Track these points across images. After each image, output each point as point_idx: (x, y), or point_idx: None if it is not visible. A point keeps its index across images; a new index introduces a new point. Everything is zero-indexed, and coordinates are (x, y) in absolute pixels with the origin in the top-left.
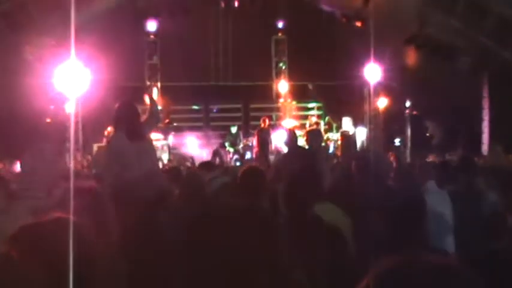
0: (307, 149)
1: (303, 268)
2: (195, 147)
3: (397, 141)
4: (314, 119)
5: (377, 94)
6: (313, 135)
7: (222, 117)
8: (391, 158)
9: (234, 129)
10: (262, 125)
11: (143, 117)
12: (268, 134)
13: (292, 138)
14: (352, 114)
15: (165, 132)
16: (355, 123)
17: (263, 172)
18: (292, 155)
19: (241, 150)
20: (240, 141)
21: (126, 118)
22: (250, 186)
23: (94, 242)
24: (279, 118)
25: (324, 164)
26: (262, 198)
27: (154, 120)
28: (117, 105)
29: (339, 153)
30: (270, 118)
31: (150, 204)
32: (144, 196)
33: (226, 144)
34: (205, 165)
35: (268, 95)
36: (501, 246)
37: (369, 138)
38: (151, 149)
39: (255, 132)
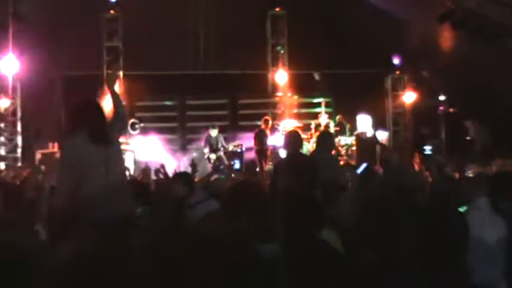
0: (311, 158)
1: None
2: (168, 153)
3: (427, 149)
4: (324, 119)
5: (403, 86)
6: (325, 139)
7: (203, 116)
8: (422, 171)
9: (213, 132)
10: (263, 126)
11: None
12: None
13: (291, 143)
14: (370, 112)
15: (129, 135)
16: (375, 124)
17: (254, 189)
18: (290, 165)
19: (223, 158)
20: (222, 146)
21: (90, 116)
22: (235, 208)
23: None
24: (276, 117)
25: (333, 181)
26: (252, 222)
27: (120, 123)
28: (78, 100)
29: (353, 162)
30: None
31: (115, 229)
32: (109, 219)
33: (205, 150)
34: (181, 177)
35: (262, 88)
36: None
37: (391, 144)
38: (120, 157)
39: (254, 135)
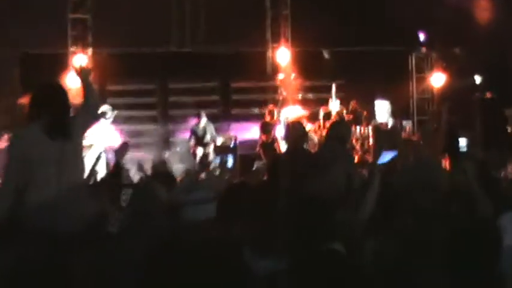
0: (315, 155)
1: None
2: (147, 148)
3: (461, 144)
4: (335, 105)
5: (430, 67)
6: (338, 129)
7: (189, 102)
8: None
9: (201, 121)
10: (268, 118)
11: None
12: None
13: (291, 136)
14: (390, 98)
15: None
16: (395, 112)
17: (250, 192)
18: (289, 163)
19: (211, 154)
20: (212, 138)
21: (50, 103)
22: (228, 215)
23: None
24: (277, 104)
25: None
26: (247, 230)
27: (90, 113)
28: (37, 83)
29: (369, 158)
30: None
31: (70, 240)
32: (61, 228)
33: (191, 143)
34: (163, 178)
35: (260, 69)
36: None
37: (415, 136)
38: (78, 154)
39: (259, 127)
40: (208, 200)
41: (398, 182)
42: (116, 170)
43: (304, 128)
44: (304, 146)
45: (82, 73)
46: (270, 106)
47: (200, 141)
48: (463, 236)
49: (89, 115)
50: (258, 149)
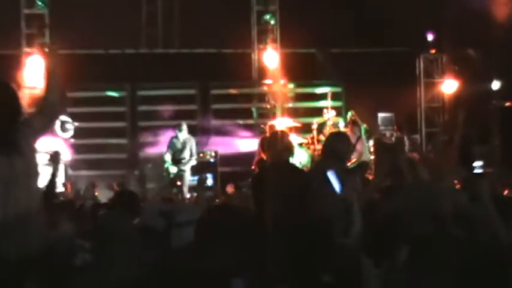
0: (302, 171)
1: None
2: (113, 165)
3: (477, 165)
4: (331, 116)
5: (440, 71)
6: (335, 142)
7: (162, 112)
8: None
9: (182, 134)
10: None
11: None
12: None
13: (272, 149)
14: (394, 107)
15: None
16: (401, 124)
17: (233, 216)
18: (270, 182)
19: (187, 172)
20: (191, 155)
21: None
22: (208, 242)
23: None
24: (264, 114)
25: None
26: (230, 258)
27: (48, 116)
28: None
29: (370, 176)
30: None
31: (15, 271)
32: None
33: (166, 158)
34: (128, 196)
35: (245, 73)
36: None
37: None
38: (31, 171)
39: (259, 143)
40: (189, 223)
41: (388, 205)
42: (50, 185)
43: (287, 137)
44: (290, 160)
45: (49, 54)
46: (270, 123)
47: (177, 157)
48: (484, 263)
49: (46, 116)
50: (254, 166)
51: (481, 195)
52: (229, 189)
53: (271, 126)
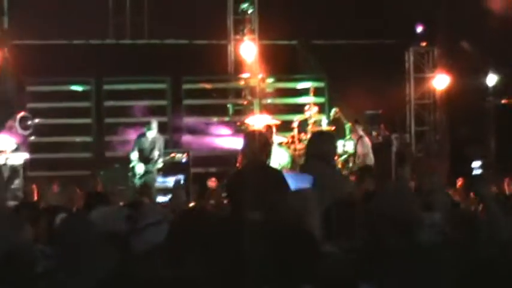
0: (278, 172)
1: None
2: (77, 165)
3: (475, 165)
4: (313, 113)
5: (431, 65)
6: (320, 142)
7: (129, 108)
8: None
9: (151, 132)
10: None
11: None
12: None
13: (248, 149)
14: (381, 104)
15: (18, 137)
16: (388, 122)
17: (206, 221)
18: (246, 184)
19: (153, 173)
20: (158, 156)
21: None
22: (179, 248)
23: None
24: (240, 111)
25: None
26: (203, 267)
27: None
28: None
29: (353, 178)
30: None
31: None
32: None
33: (132, 157)
34: (94, 198)
35: (220, 66)
36: None
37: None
38: None
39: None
40: (156, 223)
41: (359, 210)
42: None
43: (266, 138)
44: (267, 162)
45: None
46: (268, 123)
47: (144, 156)
48: (487, 266)
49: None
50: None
51: (483, 197)
52: (211, 183)
53: (269, 128)
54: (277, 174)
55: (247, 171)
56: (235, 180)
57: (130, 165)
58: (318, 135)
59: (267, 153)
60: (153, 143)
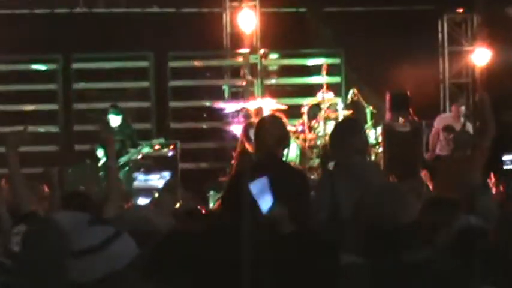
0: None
1: None
2: (40, 160)
3: (507, 158)
4: (327, 96)
5: (470, 36)
6: (351, 131)
7: (105, 90)
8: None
9: (114, 119)
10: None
11: None
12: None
13: (264, 139)
14: (410, 83)
15: None
16: (420, 108)
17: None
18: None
19: (128, 170)
20: (130, 147)
21: None
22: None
23: None
24: (239, 94)
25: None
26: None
27: None
28: None
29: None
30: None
31: None
32: None
33: (98, 153)
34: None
35: (213, 40)
36: None
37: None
38: None
39: (241, 132)
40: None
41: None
42: None
43: (285, 126)
44: (284, 155)
45: None
46: (249, 101)
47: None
48: None
49: None
50: (234, 161)
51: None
52: None
53: (259, 110)
54: (300, 174)
55: (260, 169)
56: (243, 181)
57: (100, 163)
58: (347, 122)
59: (284, 147)
60: (120, 133)
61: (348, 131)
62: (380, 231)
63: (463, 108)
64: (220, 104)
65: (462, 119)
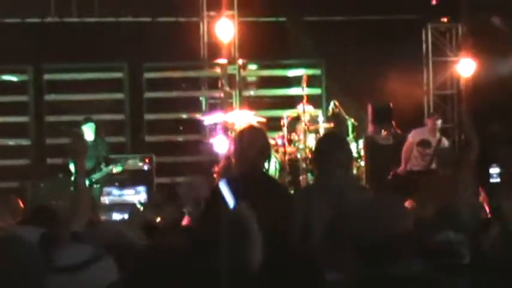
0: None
1: None
2: (10, 171)
3: (493, 171)
4: (307, 108)
5: (454, 46)
6: (334, 146)
7: (77, 103)
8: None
9: (88, 132)
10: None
11: None
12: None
13: (245, 150)
14: (391, 96)
15: None
16: (403, 121)
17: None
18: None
19: (100, 185)
20: (100, 162)
21: None
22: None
23: None
24: (215, 106)
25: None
26: None
27: None
28: None
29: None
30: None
31: None
32: None
33: (71, 167)
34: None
35: (190, 50)
36: None
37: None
38: None
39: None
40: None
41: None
42: None
43: (266, 138)
44: (264, 169)
45: None
46: (227, 113)
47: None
48: None
49: None
50: (216, 175)
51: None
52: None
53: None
54: (283, 188)
55: (242, 182)
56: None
57: (72, 178)
58: (329, 137)
59: (266, 159)
60: (94, 148)
61: (332, 146)
62: (371, 244)
63: (439, 122)
64: (197, 117)
65: (438, 134)
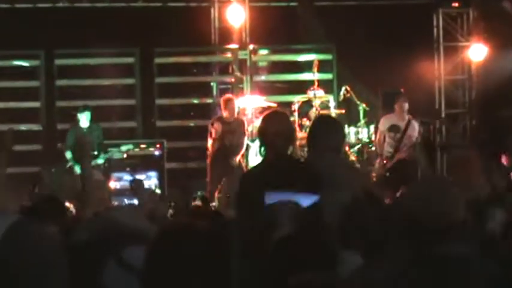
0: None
1: None
2: (22, 157)
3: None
4: (318, 93)
5: (466, 31)
6: (327, 128)
7: (88, 88)
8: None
9: (83, 120)
10: (226, 113)
11: None
12: (238, 134)
13: (275, 134)
14: (403, 82)
15: None
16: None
17: (195, 243)
18: (275, 182)
19: (99, 172)
20: (98, 149)
21: None
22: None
23: None
24: (228, 89)
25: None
26: None
27: None
28: None
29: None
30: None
31: None
32: None
33: (68, 156)
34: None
35: (202, 35)
36: None
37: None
38: None
39: (211, 127)
40: None
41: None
42: None
43: (289, 121)
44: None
45: None
46: (226, 96)
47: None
48: None
49: None
50: (208, 160)
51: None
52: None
53: (227, 100)
54: (317, 175)
55: (271, 171)
56: (253, 182)
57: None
58: (324, 119)
59: (291, 143)
60: (91, 132)
61: (323, 129)
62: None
63: (405, 104)
64: (208, 101)
65: (406, 117)
